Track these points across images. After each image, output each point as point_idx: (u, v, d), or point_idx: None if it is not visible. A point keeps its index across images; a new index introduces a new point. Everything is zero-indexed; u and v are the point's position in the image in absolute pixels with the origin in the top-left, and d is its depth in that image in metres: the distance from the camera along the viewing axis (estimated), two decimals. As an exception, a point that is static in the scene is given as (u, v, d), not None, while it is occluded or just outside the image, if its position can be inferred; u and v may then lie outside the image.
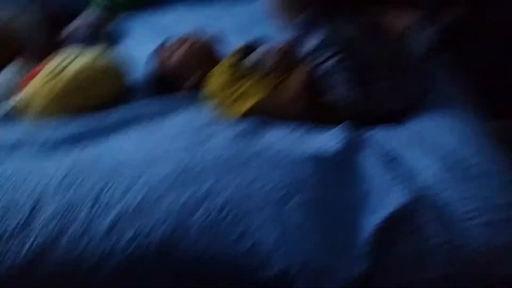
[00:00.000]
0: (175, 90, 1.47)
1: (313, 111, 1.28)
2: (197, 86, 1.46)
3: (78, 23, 1.96)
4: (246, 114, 1.27)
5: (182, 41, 1.51)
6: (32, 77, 1.42)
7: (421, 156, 1.05)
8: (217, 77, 1.37)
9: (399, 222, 0.87)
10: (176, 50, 1.49)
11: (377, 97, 1.25)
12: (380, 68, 1.27)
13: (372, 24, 1.42)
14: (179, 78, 1.48)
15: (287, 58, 1.38)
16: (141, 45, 1.90)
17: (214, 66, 1.42)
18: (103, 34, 1.97)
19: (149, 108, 1.36)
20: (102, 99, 1.43)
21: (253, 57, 1.44)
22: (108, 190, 0.91)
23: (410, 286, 0.84)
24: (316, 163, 0.97)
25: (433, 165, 1.01)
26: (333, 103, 1.27)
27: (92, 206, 0.89)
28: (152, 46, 1.84)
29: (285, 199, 0.88)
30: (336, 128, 1.19)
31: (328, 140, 1.11)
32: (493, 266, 0.84)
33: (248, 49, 1.50)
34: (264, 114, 1.27)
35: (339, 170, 1.00)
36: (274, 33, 1.74)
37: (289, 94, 1.29)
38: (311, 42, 1.28)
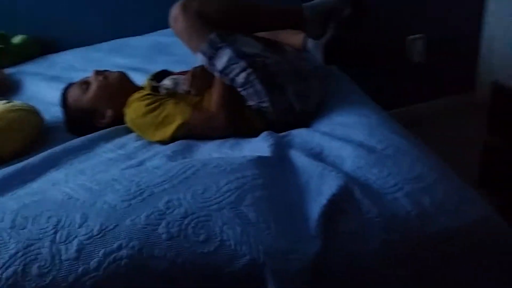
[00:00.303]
0: (93, 126, 1.48)
1: (235, 122, 1.37)
2: (115, 120, 1.49)
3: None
4: (173, 137, 1.33)
5: (92, 78, 1.52)
6: None
7: (339, 148, 1.19)
8: (136, 106, 1.40)
9: (338, 203, 0.98)
10: (89, 86, 1.50)
11: (286, 101, 1.38)
12: (284, 75, 1.39)
13: (270, 41, 1.56)
14: (96, 113, 1.49)
15: (200, 78, 1.46)
16: (44, 89, 1.89)
17: (128, 97, 1.45)
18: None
19: (76, 144, 1.37)
20: (22, 143, 1.40)
21: (166, 82, 1.50)
22: (64, 223, 0.91)
23: (357, 258, 0.94)
24: (257, 165, 1.06)
25: (351, 155, 1.15)
26: (252, 112, 1.38)
27: (53, 238, 0.88)
28: (53, 89, 1.84)
29: (239, 201, 0.95)
30: (260, 136, 1.29)
31: (259, 146, 1.21)
32: (421, 229, 0.97)
33: (158, 77, 1.57)
34: (189, 134, 1.33)
35: (278, 169, 1.10)
36: (173, 64, 1.85)
37: (212, 108, 1.37)
38: (221, 61, 1.35)
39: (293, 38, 1.64)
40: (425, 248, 0.95)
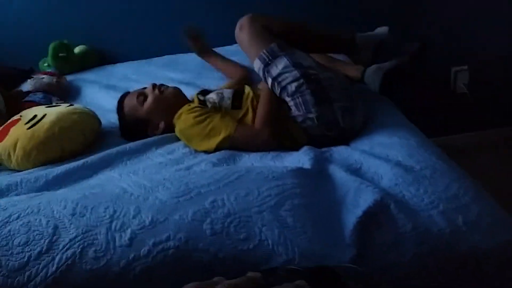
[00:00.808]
0: (145, 135, 1.58)
1: (278, 138, 1.44)
2: (166, 130, 1.59)
3: (35, 81, 2.03)
4: (218, 148, 1.41)
5: (149, 90, 1.62)
6: (7, 130, 1.48)
7: (378, 166, 1.24)
8: (185, 117, 1.49)
9: (374, 216, 1.03)
10: (146, 98, 1.60)
11: (333, 115, 1.44)
12: (334, 91, 1.47)
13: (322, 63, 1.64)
14: (149, 123, 1.59)
15: (241, 96, 1.55)
16: (102, 96, 2.02)
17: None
18: (59, 90, 2.05)
19: (130, 148, 1.47)
20: (82, 144, 1.52)
21: (212, 96, 1.59)
22: (120, 213, 1.01)
23: (390, 268, 0.99)
24: (297, 175, 1.12)
25: (389, 172, 1.20)
26: (296, 125, 1.44)
27: (109, 227, 0.98)
28: (110, 97, 1.97)
29: (278, 206, 1.02)
30: (301, 150, 1.36)
31: (299, 159, 1.28)
32: (452, 245, 1.00)
33: (205, 92, 1.66)
34: (234, 147, 1.41)
35: (317, 180, 1.16)
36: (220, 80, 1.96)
37: (256, 125, 1.45)
38: (277, 68, 1.46)
39: (351, 69, 1.73)
40: (455, 264, 0.98)
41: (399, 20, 2.50)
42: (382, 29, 1.73)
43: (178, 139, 1.53)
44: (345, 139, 1.46)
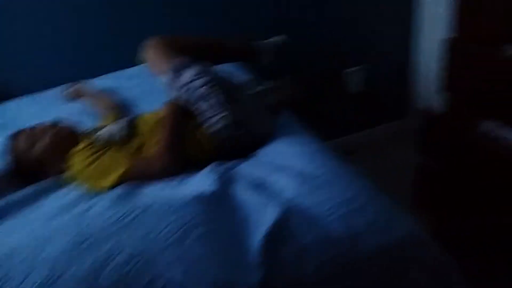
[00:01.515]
0: (38, 178, 1.48)
1: (181, 161, 1.41)
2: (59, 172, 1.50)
3: None
4: (114, 186, 1.34)
5: (44, 130, 1.51)
6: None
7: (280, 178, 1.26)
8: (80, 157, 1.42)
9: (277, 232, 1.04)
10: (39, 138, 1.50)
11: (243, 115, 1.48)
12: (244, 95, 1.55)
13: None
14: (44, 166, 1.49)
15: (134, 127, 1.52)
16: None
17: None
18: None
19: (18, 196, 1.37)
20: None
21: (103, 133, 1.52)
22: (9, 277, 0.93)
23: (297, 282, 0.99)
24: (199, 203, 1.11)
25: (290, 183, 1.22)
26: (204, 134, 1.44)
27: (-3, 293, 0.89)
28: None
29: (182, 238, 1.00)
30: (204, 171, 1.34)
31: (202, 182, 1.26)
32: (352, 249, 1.04)
33: (96, 129, 1.59)
34: (131, 181, 1.35)
35: (220, 204, 1.15)
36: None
37: (154, 152, 1.40)
38: (187, 75, 1.48)
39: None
40: (357, 266, 1.02)
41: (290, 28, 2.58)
42: (280, 37, 1.91)
43: (70, 181, 1.45)
44: (249, 147, 1.47)
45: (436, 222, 1.74)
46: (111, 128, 1.52)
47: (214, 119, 1.46)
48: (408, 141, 2.31)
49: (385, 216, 1.11)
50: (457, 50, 1.78)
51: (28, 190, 1.40)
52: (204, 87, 1.47)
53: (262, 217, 1.09)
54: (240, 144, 1.47)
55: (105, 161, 1.37)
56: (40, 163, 1.49)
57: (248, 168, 1.34)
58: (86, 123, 1.79)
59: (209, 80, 1.48)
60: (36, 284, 0.91)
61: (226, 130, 1.46)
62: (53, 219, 1.20)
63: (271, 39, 1.89)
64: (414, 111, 2.85)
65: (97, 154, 1.40)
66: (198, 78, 1.48)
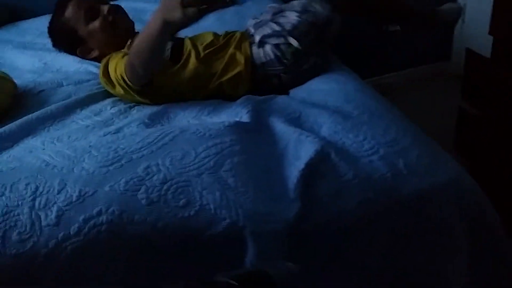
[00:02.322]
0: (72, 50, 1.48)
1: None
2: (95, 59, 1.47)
3: None
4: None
5: (103, 11, 1.43)
6: None
7: (316, 115, 1.21)
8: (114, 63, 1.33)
9: (315, 167, 1.00)
10: (95, 18, 1.43)
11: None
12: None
13: None
14: (84, 44, 1.47)
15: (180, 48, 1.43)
16: (16, 56, 1.84)
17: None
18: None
19: (51, 111, 1.35)
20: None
21: None
22: (43, 189, 0.91)
23: (335, 219, 0.97)
24: (235, 131, 1.07)
25: (327, 120, 1.17)
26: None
27: (32, 205, 0.89)
28: (26, 55, 1.80)
29: (217, 166, 0.96)
30: (238, 101, 1.29)
31: (237, 111, 1.22)
32: (395, 189, 1.00)
33: None
34: None
35: (256, 135, 1.11)
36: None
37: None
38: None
39: None
40: (399, 207, 0.99)
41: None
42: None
43: (104, 97, 1.41)
44: (288, 85, 1.41)
45: (476, 168, 1.69)
46: None
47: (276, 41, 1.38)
48: (451, 83, 2.21)
49: (428, 159, 1.06)
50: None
51: (60, 105, 1.36)
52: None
53: (300, 150, 1.05)
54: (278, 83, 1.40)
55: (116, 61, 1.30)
56: (79, 41, 1.45)
57: (283, 103, 1.28)
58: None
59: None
60: (70, 198, 0.90)
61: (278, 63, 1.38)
62: (85, 136, 1.18)
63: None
64: (458, 53, 2.72)
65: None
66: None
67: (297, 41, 1.36)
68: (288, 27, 1.39)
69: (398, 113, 1.23)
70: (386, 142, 1.08)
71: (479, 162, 1.79)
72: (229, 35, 1.49)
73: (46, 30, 2.01)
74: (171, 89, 1.35)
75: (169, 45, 1.41)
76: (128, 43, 1.43)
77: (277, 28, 1.39)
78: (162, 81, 1.31)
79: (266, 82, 1.41)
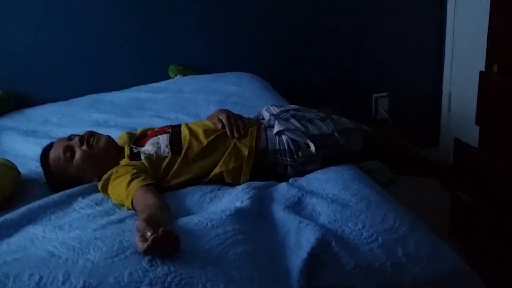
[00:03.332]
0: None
1: None
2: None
3: None
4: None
5: (75, 144, 1.46)
6: None
7: (315, 202, 1.24)
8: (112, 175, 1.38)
9: (318, 256, 1.01)
10: (73, 154, 1.45)
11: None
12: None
13: None
14: (81, 181, 1.47)
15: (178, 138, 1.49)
16: (20, 143, 1.89)
17: (113, 160, 1.46)
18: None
19: (53, 200, 1.37)
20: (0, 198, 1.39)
21: (148, 149, 1.46)
22: (47, 280, 0.91)
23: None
24: (238, 220, 1.09)
25: (326, 208, 1.20)
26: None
27: (36, 297, 0.88)
28: (30, 143, 1.85)
29: (223, 257, 0.98)
30: (240, 187, 1.33)
31: (239, 197, 1.25)
32: (395, 278, 1.01)
33: (138, 140, 1.54)
34: None
35: (257, 223, 1.13)
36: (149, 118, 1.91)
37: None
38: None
39: None
40: (401, 297, 0.99)
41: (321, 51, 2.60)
42: None
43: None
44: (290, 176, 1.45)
45: (471, 255, 1.70)
46: (159, 142, 1.47)
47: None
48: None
49: (426, 248, 1.08)
50: (492, 82, 1.75)
51: (61, 194, 1.39)
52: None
53: (301, 238, 1.07)
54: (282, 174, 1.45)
55: (121, 188, 1.32)
56: (77, 180, 1.47)
57: (283, 190, 1.32)
58: (115, 133, 1.81)
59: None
60: (74, 290, 0.89)
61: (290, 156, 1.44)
62: (87, 224, 1.19)
63: None
64: (446, 141, 2.82)
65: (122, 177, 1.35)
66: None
67: (316, 148, 1.43)
68: (314, 131, 1.47)
69: (394, 201, 1.26)
70: (384, 230, 1.11)
71: (474, 247, 1.80)
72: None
73: (49, 118, 2.11)
74: (174, 183, 1.39)
75: (166, 140, 1.47)
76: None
77: (302, 128, 1.47)
78: (165, 182, 1.37)
79: (272, 169, 1.46)
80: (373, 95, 2.78)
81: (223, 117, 1.51)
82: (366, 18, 2.64)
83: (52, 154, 1.47)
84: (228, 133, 1.47)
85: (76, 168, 1.45)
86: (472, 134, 2.03)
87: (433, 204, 2.10)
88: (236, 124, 1.50)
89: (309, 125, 1.50)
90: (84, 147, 1.45)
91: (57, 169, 1.46)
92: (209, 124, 1.55)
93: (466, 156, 1.79)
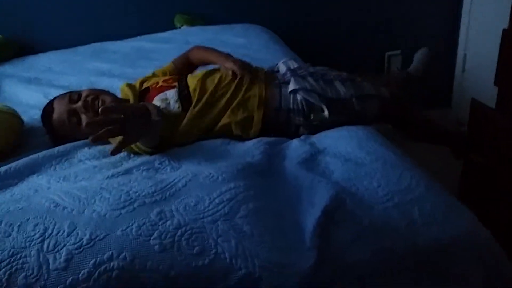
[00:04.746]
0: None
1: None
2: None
3: None
4: None
5: (81, 110, 1.39)
6: None
7: (328, 160, 1.20)
8: None
9: (331, 214, 0.98)
10: (79, 120, 1.40)
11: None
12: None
13: None
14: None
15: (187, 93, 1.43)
16: (22, 91, 1.84)
17: None
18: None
19: (59, 150, 1.33)
20: (2, 146, 1.36)
21: (156, 103, 1.40)
22: (52, 231, 0.88)
23: (351, 268, 0.94)
24: (249, 175, 1.05)
25: (340, 166, 1.16)
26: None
27: (41, 247, 0.85)
28: (32, 91, 1.80)
29: (233, 213, 0.94)
30: (251, 142, 1.28)
31: (250, 151, 1.21)
32: (411, 239, 0.98)
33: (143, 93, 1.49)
34: None
35: (269, 178, 1.09)
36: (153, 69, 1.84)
37: None
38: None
39: None
40: (415, 257, 0.96)
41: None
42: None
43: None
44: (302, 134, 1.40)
45: (481, 218, 1.68)
46: (167, 97, 1.41)
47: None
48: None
49: (443, 209, 1.04)
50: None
51: (67, 145, 1.35)
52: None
53: (314, 196, 1.03)
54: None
55: None
56: (84, 137, 1.40)
57: (295, 146, 1.28)
58: (118, 83, 1.75)
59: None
60: (80, 241, 0.86)
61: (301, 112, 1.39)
62: (92, 177, 1.15)
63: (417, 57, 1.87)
64: (459, 101, 2.76)
65: None
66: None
67: (329, 113, 1.38)
68: (331, 95, 1.41)
69: (410, 162, 1.22)
70: (400, 190, 1.07)
71: (485, 211, 1.77)
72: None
73: (51, 66, 2.05)
74: (183, 136, 1.35)
75: (175, 96, 1.41)
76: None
77: (318, 89, 1.40)
78: (176, 138, 1.32)
79: (284, 126, 1.40)
80: (386, 53, 2.69)
81: (229, 65, 1.44)
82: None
83: (56, 117, 1.41)
84: (241, 76, 1.41)
85: (84, 133, 1.38)
86: (487, 95, 1.96)
87: (443, 169, 2.06)
88: (248, 67, 1.44)
89: (327, 86, 1.43)
90: (90, 114, 1.38)
91: (62, 132, 1.41)
92: (215, 73, 1.48)
93: (483, 117, 1.73)
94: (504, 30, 1.68)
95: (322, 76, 1.47)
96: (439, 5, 2.67)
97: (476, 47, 2.60)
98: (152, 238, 0.87)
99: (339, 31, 2.57)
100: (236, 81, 1.41)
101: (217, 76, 1.45)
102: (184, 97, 1.39)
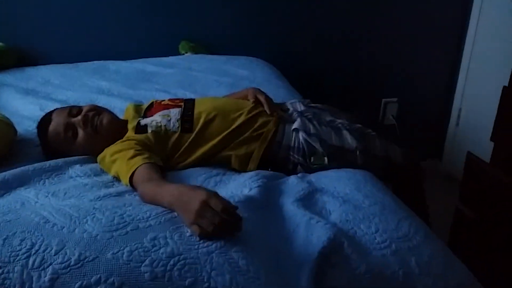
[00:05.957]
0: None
1: None
2: None
3: None
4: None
5: (79, 124, 1.36)
6: None
7: (326, 199, 1.18)
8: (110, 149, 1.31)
9: (328, 256, 0.95)
10: (76, 135, 1.37)
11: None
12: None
13: None
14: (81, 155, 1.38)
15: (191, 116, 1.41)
16: (18, 101, 1.81)
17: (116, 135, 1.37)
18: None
19: (49, 164, 1.30)
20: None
21: (156, 120, 1.39)
22: (39, 247, 0.84)
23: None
24: (247, 208, 1.03)
25: (338, 207, 1.14)
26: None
27: (25, 263, 0.81)
28: (28, 102, 1.77)
29: (228, 246, 0.90)
30: (247, 175, 1.26)
31: (247, 184, 1.18)
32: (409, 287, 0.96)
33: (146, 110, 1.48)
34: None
35: (265, 212, 1.07)
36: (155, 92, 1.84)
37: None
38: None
39: None
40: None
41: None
42: None
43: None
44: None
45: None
46: (169, 115, 1.40)
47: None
48: (442, 183, 2.22)
49: (440, 261, 1.03)
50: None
51: (59, 160, 1.31)
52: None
53: (311, 235, 1.01)
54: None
55: (121, 161, 1.25)
56: (77, 154, 1.38)
57: (293, 183, 1.25)
58: (117, 103, 1.74)
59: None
60: (67, 261, 0.82)
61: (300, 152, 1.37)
62: (83, 194, 1.12)
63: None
64: (450, 154, 2.78)
65: (119, 153, 1.27)
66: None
67: (328, 160, 1.36)
68: (334, 142, 1.39)
69: (408, 209, 1.20)
70: (398, 237, 1.05)
71: (474, 264, 1.75)
72: (255, 110, 1.44)
73: (51, 79, 2.03)
74: (181, 163, 1.33)
75: (178, 115, 1.38)
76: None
77: (323, 135, 1.39)
78: (171, 162, 1.31)
79: (281, 163, 1.39)
80: (383, 100, 2.72)
81: (261, 96, 1.46)
82: (383, 24, 2.58)
83: (52, 129, 1.37)
84: (267, 110, 1.43)
85: (78, 148, 1.36)
86: (480, 150, 1.98)
87: (434, 221, 2.06)
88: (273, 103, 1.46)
89: (332, 132, 1.41)
90: (88, 130, 1.36)
91: (55, 144, 1.38)
92: (229, 101, 1.48)
93: (478, 171, 1.74)
94: (504, 87, 1.71)
95: (329, 122, 1.45)
96: (439, 58, 2.72)
97: (472, 102, 2.64)
98: (143, 264, 0.84)
99: (338, 75, 2.61)
100: (251, 114, 1.41)
101: (228, 102, 1.46)
102: (185, 118, 1.38)
